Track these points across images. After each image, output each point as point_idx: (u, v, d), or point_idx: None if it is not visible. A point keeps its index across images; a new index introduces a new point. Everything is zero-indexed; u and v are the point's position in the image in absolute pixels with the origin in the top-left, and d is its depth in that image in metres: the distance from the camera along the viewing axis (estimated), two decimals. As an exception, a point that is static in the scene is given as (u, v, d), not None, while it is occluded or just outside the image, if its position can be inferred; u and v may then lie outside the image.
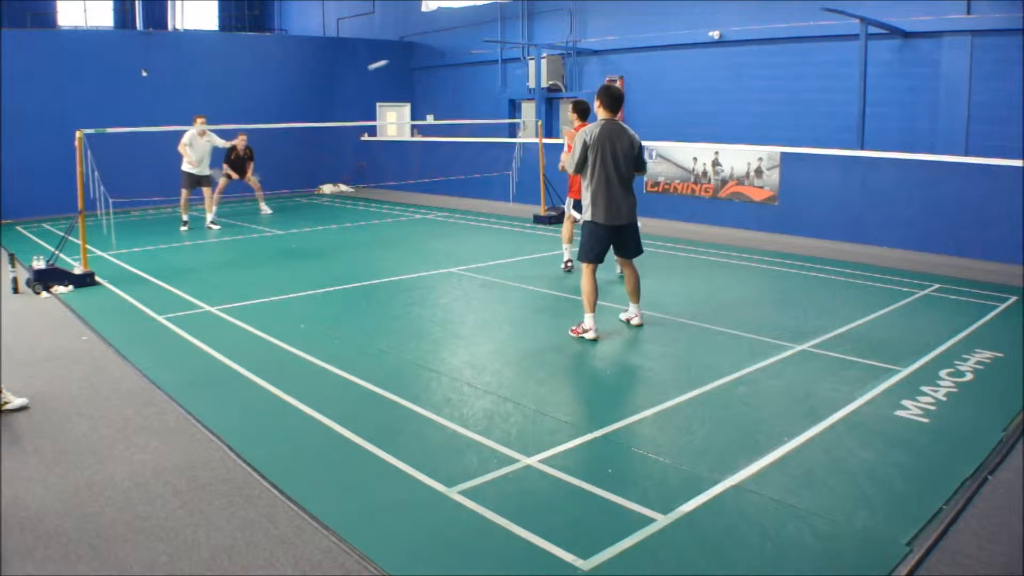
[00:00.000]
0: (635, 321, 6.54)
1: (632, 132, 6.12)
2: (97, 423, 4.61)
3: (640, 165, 6.19)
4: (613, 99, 6.09)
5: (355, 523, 3.44)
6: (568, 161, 6.26)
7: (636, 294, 6.51)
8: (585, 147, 6.01)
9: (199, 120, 12.47)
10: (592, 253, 6.18)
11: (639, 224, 6.53)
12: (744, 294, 7.92)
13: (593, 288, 6.16)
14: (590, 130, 6.04)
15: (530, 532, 3.32)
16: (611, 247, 6.28)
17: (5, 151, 13.94)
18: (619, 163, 6.00)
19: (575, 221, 8.11)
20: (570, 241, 8.68)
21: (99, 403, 4.95)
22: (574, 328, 6.29)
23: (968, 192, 9.56)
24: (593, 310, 6.16)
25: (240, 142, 13.76)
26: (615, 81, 15.81)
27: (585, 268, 6.20)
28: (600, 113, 6.13)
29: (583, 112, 7.79)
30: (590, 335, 6.14)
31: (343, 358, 5.74)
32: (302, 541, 3.29)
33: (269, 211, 14.78)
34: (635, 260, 6.44)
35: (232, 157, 13.78)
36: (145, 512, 3.54)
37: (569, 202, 8.49)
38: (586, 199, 6.16)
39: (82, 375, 5.50)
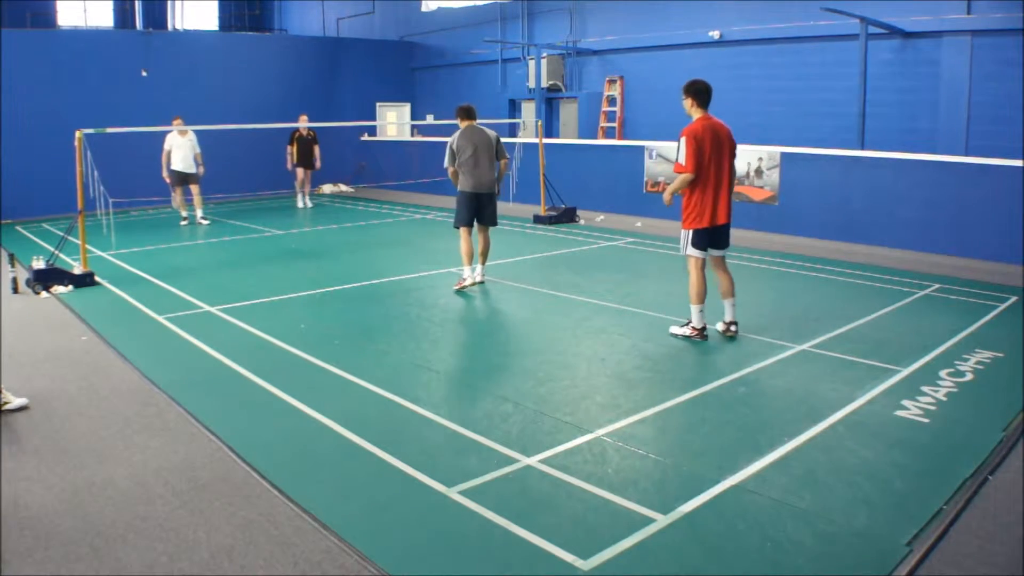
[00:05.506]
0: (478, 277, 7.96)
1: (489, 130, 7.89)
2: (97, 423, 4.61)
3: (500, 154, 7.94)
4: (465, 111, 7.90)
5: (355, 523, 3.44)
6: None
7: (485, 256, 8.10)
8: (454, 146, 7.81)
9: (176, 121, 12.58)
10: (465, 220, 7.92)
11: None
12: (744, 294, 7.87)
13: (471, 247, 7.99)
14: (466, 134, 7.77)
15: (530, 532, 3.32)
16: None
17: (5, 151, 13.93)
18: (485, 154, 7.80)
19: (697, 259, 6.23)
20: (699, 300, 6.20)
21: (99, 403, 4.95)
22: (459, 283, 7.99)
23: (968, 192, 9.55)
24: (470, 263, 7.93)
25: (303, 125, 14.26)
26: (615, 81, 15.83)
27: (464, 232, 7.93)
28: (461, 123, 7.86)
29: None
30: (468, 283, 7.90)
31: (343, 358, 5.74)
32: (302, 541, 3.29)
33: (310, 205, 15.55)
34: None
35: (295, 137, 14.45)
36: (145, 512, 3.54)
37: (685, 235, 6.18)
38: (464, 178, 7.85)
39: (82, 375, 5.50)
